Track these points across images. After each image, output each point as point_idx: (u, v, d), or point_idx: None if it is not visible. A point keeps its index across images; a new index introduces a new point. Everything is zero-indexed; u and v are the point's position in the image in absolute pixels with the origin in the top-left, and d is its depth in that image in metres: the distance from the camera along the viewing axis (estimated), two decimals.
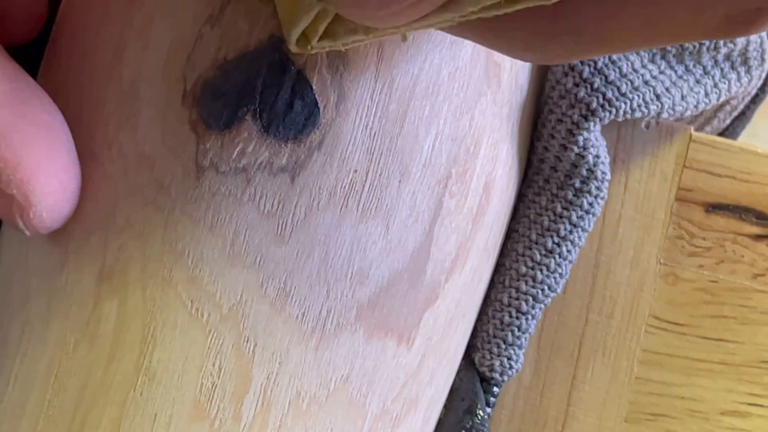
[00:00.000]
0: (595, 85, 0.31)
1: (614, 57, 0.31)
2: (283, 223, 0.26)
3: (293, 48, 0.23)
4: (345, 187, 0.26)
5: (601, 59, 0.31)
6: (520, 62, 0.30)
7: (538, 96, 0.33)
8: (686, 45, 0.32)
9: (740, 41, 0.32)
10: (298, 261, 0.26)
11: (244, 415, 0.25)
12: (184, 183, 0.25)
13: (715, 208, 0.34)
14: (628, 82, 0.31)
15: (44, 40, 0.30)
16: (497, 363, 0.32)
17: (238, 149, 0.25)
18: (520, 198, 0.33)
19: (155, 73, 0.26)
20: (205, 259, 0.25)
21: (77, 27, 0.28)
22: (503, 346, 0.32)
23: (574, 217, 0.32)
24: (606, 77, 0.31)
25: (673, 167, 0.34)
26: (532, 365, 0.34)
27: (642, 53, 0.32)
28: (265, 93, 0.25)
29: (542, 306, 0.32)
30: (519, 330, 0.32)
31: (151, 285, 0.25)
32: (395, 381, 0.28)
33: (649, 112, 0.31)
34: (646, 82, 0.31)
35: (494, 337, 0.32)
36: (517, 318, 0.32)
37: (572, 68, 0.31)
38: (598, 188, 0.32)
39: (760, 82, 0.35)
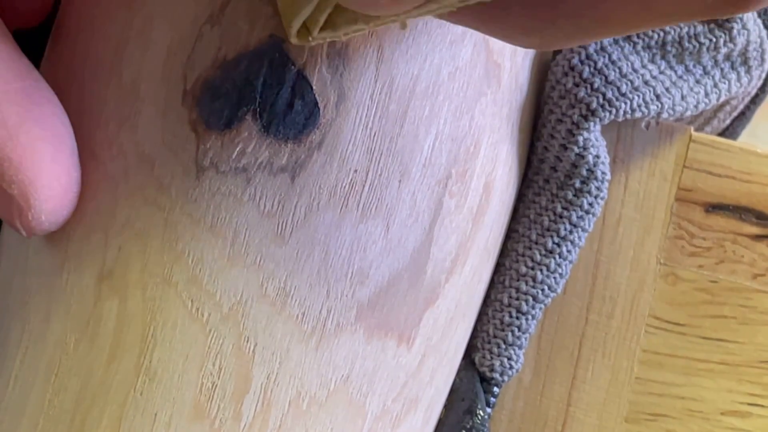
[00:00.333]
0: (595, 85, 0.31)
1: (614, 57, 0.31)
2: (283, 222, 0.26)
3: (294, 40, 0.23)
4: (345, 186, 0.26)
5: (601, 59, 0.31)
6: (520, 62, 0.30)
7: (538, 96, 0.33)
8: (686, 45, 0.32)
9: (740, 41, 0.32)
10: (298, 261, 0.26)
11: (244, 415, 0.25)
12: (184, 183, 0.25)
13: (715, 208, 0.34)
14: (628, 82, 0.31)
15: (45, 38, 0.30)
16: (497, 363, 0.32)
17: (238, 149, 0.25)
18: (520, 198, 0.33)
19: (155, 72, 0.26)
20: (205, 259, 0.25)
21: (77, 27, 0.28)
22: (503, 346, 0.32)
23: (574, 217, 0.32)
24: (606, 77, 0.31)
25: (673, 167, 0.34)
26: (532, 365, 0.34)
27: (642, 53, 0.32)
28: (266, 93, 0.25)
29: (542, 306, 0.32)
30: (519, 330, 0.32)
31: (151, 285, 0.25)
32: (395, 381, 0.28)
33: (649, 112, 0.31)
34: (646, 82, 0.31)
35: (494, 337, 0.32)
36: (518, 318, 0.32)
37: (572, 68, 0.31)
38: (598, 188, 0.32)
39: (760, 82, 0.35)
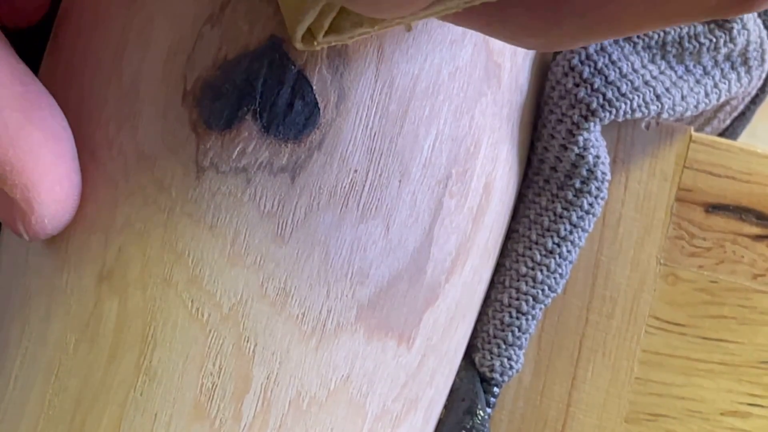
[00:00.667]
0: (596, 86, 0.31)
1: (614, 57, 0.31)
2: (283, 223, 0.26)
3: (298, 45, 0.23)
4: (345, 187, 0.26)
5: (602, 59, 0.31)
6: (520, 62, 0.30)
7: (538, 96, 0.33)
8: (686, 45, 0.32)
9: (740, 41, 0.32)
10: (299, 261, 0.26)
11: (245, 414, 0.25)
12: (184, 183, 0.25)
13: (715, 208, 0.34)
14: (629, 83, 0.31)
15: (44, 38, 0.30)
16: (497, 363, 0.32)
17: (238, 149, 0.25)
18: (521, 198, 0.33)
19: (155, 73, 0.26)
20: (206, 259, 0.25)
21: (78, 27, 0.28)
22: (503, 347, 0.32)
23: (574, 218, 0.32)
24: (606, 77, 0.31)
25: (673, 167, 0.34)
26: (532, 365, 0.34)
27: (642, 53, 0.32)
28: (266, 93, 0.25)
29: (542, 306, 0.32)
30: (519, 330, 0.32)
31: (152, 285, 0.25)
32: (395, 381, 0.28)
33: (649, 113, 0.31)
34: (646, 83, 0.31)
35: (494, 337, 0.32)
36: (518, 318, 0.32)
37: (572, 68, 0.31)
38: (598, 188, 0.32)
39: (760, 82, 0.35)
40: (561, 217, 0.32)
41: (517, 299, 0.32)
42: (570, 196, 0.32)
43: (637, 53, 0.32)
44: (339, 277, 0.26)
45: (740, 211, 0.34)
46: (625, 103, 0.31)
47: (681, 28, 0.32)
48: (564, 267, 0.32)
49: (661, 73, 0.32)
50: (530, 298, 0.32)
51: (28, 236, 0.25)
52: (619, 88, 0.31)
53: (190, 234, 0.25)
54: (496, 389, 0.33)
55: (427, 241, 0.27)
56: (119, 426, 0.25)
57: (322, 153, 0.26)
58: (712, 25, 0.32)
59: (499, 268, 0.33)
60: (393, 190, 0.26)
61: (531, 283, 0.32)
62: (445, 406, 0.32)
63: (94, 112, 0.27)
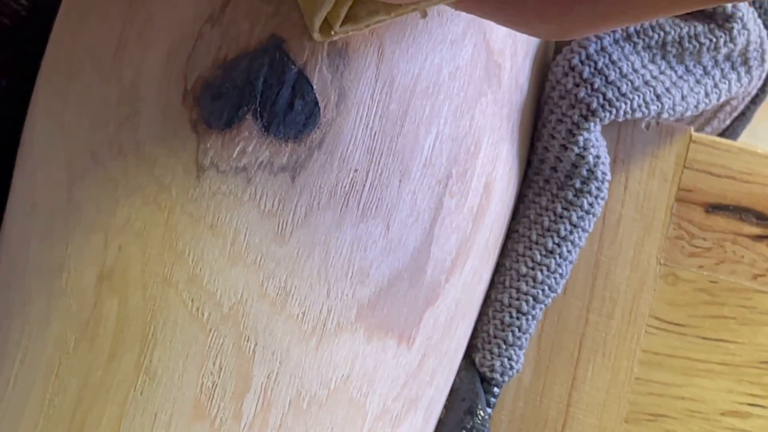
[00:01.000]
0: (596, 86, 0.31)
1: (615, 57, 0.31)
2: (283, 222, 0.26)
3: (316, 36, 0.23)
4: (345, 186, 0.26)
5: (602, 59, 0.31)
6: (520, 62, 0.30)
7: (539, 96, 0.33)
8: (686, 45, 0.32)
9: (740, 41, 0.32)
10: (299, 260, 0.26)
11: (245, 414, 0.25)
12: (184, 182, 0.25)
13: (715, 208, 0.34)
14: (629, 83, 0.31)
15: (45, 37, 0.30)
16: (498, 363, 0.32)
17: (238, 149, 0.25)
18: (521, 198, 0.33)
19: (155, 72, 0.26)
20: (206, 259, 0.25)
21: (78, 27, 0.28)
22: (504, 347, 0.32)
23: (574, 218, 0.32)
24: (606, 77, 0.31)
25: (674, 168, 0.34)
26: (533, 366, 0.34)
27: (642, 53, 0.32)
28: (266, 92, 0.25)
29: (543, 306, 0.32)
30: (519, 330, 0.32)
31: (152, 284, 0.25)
32: (395, 381, 0.28)
33: (649, 113, 0.31)
34: (646, 83, 0.31)
35: (495, 337, 0.32)
36: (518, 318, 0.32)
37: (572, 68, 0.31)
38: (598, 189, 0.32)
39: (760, 82, 0.35)
40: (561, 217, 0.32)
41: (518, 299, 0.32)
42: (570, 196, 0.32)
43: (638, 53, 0.32)
44: (339, 277, 0.26)
45: (740, 211, 0.34)
46: (626, 103, 0.31)
47: (681, 28, 0.32)
48: (564, 267, 0.32)
49: (662, 73, 0.32)
50: (530, 298, 0.32)
51: None
52: (619, 88, 0.31)
53: (190, 233, 0.25)
54: (496, 389, 0.33)
55: (428, 241, 0.27)
56: (119, 425, 0.25)
57: (322, 152, 0.26)
58: (713, 25, 0.32)
59: (499, 268, 0.33)
60: (393, 190, 0.26)
61: (531, 283, 0.32)
62: (446, 406, 0.32)
63: (94, 112, 0.27)
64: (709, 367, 0.34)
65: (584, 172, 0.32)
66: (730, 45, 0.32)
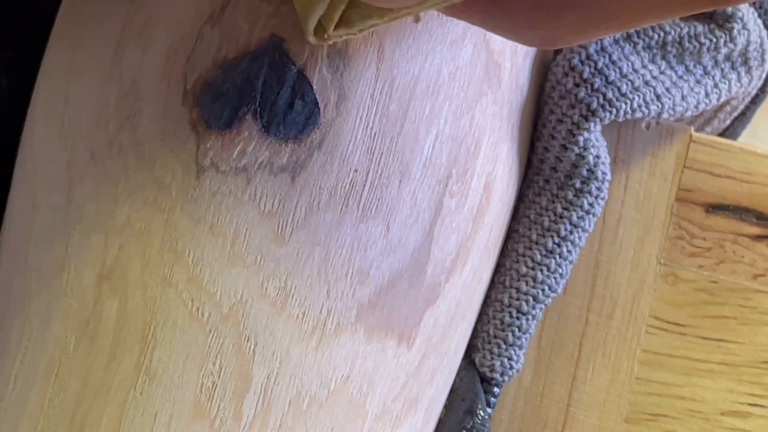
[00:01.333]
0: (596, 86, 0.31)
1: (615, 57, 0.31)
2: (283, 222, 0.26)
3: (311, 39, 0.23)
4: (345, 186, 0.26)
5: (602, 59, 0.31)
6: (520, 62, 0.30)
7: (539, 96, 0.33)
8: (686, 45, 0.32)
9: (740, 41, 0.32)
10: (299, 261, 0.26)
11: (245, 414, 0.25)
12: (184, 182, 0.25)
13: (715, 208, 0.34)
14: (629, 83, 0.31)
15: (45, 37, 0.30)
16: (498, 363, 0.32)
17: (238, 149, 0.25)
18: (521, 198, 0.33)
19: (155, 72, 0.26)
20: (206, 259, 0.25)
21: (78, 27, 0.28)
22: (504, 347, 0.32)
23: (574, 218, 0.32)
24: (606, 77, 0.31)
25: (674, 168, 0.34)
26: (533, 365, 0.34)
27: (642, 53, 0.32)
28: (266, 93, 0.25)
29: (543, 306, 0.32)
30: (519, 330, 0.32)
31: (152, 284, 0.25)
32: (395, 381, 0.28)
33: (649, 113, 0.31)
34: (646, 83, 0.31)
35: (495, 337, 0.32)
36: (518, 318, 0.32)
37: (572, 68, 0.31)
38: (598, 188, 0.32)
39: (761, 82, 0.35)
40: (561, 217, 0.32)
41: (518, 299, 0.32)
42: (570, 196, 0.32)
43: (638, 53, 0.32)
44: (339, 277, 0.26)
45: (740, 211, 0.34)
46: (626, 103, 0.31)
47: (681, 28, 0.32)
48: (564, 267, 0.32)
49: (662, 73, 0.32)
50: (530, 298, 0.32)
51: None
52: (619, 88, 0.31)
53: (190, 234, 0.25)
54: (496, 389, 0.33)
55: (428, 241, 0.27)
56: (119, 425, 0.25)
57: (322, 153, 0.26)
58: (713, 25, 0.32)
59: (499, 268, 0.33)
60: (393, 190, 0.26)
61: (531, 283, 0.32)
62: (446, 406, 0.32)
63: (94, 111, 0.27)
64: (710, 367, 0.34)
65: (584, 172, 0.32)
66: (730, 45, 0.32)
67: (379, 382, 0.27)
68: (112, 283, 0.26)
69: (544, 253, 0.32)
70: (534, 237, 0.32)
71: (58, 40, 0.29)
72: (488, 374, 0.32)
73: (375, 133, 0.26)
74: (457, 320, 0.30)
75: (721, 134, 0.38)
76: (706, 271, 0.34)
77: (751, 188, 0.34)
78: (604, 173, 0.32)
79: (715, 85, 0.33)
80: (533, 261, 0.32)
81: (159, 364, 0.25)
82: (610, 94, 0.31)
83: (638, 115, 0.31)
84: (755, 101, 0.37)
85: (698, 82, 0.33)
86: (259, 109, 0.25)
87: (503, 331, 0.32)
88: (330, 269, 0.26)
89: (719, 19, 0.32)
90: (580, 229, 0.32)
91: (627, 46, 0.32)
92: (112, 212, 0.26)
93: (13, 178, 0.30)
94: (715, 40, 0.32)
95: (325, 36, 0.22)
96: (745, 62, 0.33)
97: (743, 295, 0.34)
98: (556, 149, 0.32)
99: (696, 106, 0.33)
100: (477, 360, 0.33)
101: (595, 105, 0.31)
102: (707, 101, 0.33)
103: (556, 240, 0.32)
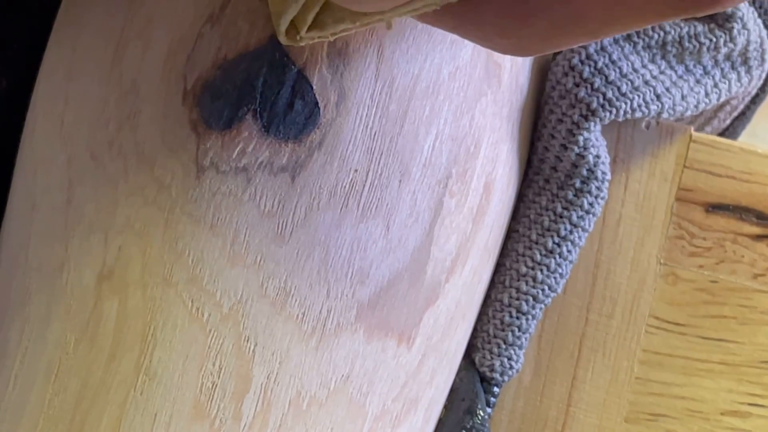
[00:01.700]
0: (596, 85, 0.31)
1: (614, 57, 0.31)
2: (283, 222, 0.26)
3: (282, 39, 0.23)
4: (345, 186, 0.26)
5: (602, 59, 0.31)
6: (520, 62, 0.30)
7: (539, 96, 0.33)
8: (686, 45, 0.32)
9: (740, 41, 0.32)
10: (299, 261, 0.26)
11: (245, 414, 0.25)
12: (184, 182, 0.25)
13: (715, 208, 0.34)
14: (629, 82, 0.31)
15: (45, 37, 0.30)
16: (498, 363, 0.32)
17: (238, 149, 0.25)
18: (521, 198, 0.33)
19: (155, 72, 0.26)
20: (206, 259, 0.25)
21: (78, 27, 0.28)
22: (504, 346, 0.32)
23: (574, 217, 0.32)
24: (606, 77, 0.31)
25: (674, 167, 0.34)
26: (533, 365, 0.34)
27: (642, 53, 0.32)
28: (266, 93, 0.25)
29: (542, 306, 0.32)
30: (519, 330, 0.32)
31: (152, 284, 0.25)
32: (395, 381, 0.28)
33: (649, 112, 0.31)
34: (646, 82, 0.31)
35: (495, 337, 0.32)
36: (518, 318, 0.32)
37: (572, 68, 0.31)
38: (598, 188, 0.32)
39: (760, 82, 0.35)
40: (561, 216, 0.32)
41: (518, 299, 0.32)
42: (570, 195, 0.32)
43: (638, 53, 0.32)
44: (339, 277, 0.26)
45: (740, 211, 0.34)
46: (626, 103, 0.31)
47: (681, 28, 0.32)
48: (564, 267, 0.32)
49: (662, 72, 0.32)
50: (530, 298, 0.32)
51: None
52: (619, 88, 0.31)
53: (190, 234, 0.25)
54: (496, 389, 0.33)
55: (428, 241, 0.27)
56: (119, 426, 0.25)
57: (322, 153, 0.26)
58: (712, 25, 0.32)
59: (499, 267, 0.33)
60: (393, 190, 0.26)
61: (531, 283, 0.32)
62: (445, 406, 0.32)
63: (94, 111, 0.27)
64: (709, 366, 0.34)
65: (584, 172, 0.32)
66: (730, 45, 0.32)
67: (379, 382, 0.27)
68: (112, 283, 0.26)
69: (544, 252, 0.32)
70: (534, 237, 0.32)
71: (58, 40, 0.29)
72: (488, 374, 0.32)
73: (375, 133, 0.26)
74: (457, 320, 0.30)
75: (721, 134, 0.38)
76: (706, 270, 0.34)
77: (751, 188, 0.34)
78: (604, 173, 0.32)
79: (715, 85, 0.33)
80: (533, 261, 0.32)
81: (159, 364, 0.25)
82: (610, 94, 0.31)
83: (638, 114, 0.31)
84: (755, 101, 0.37)
85: (698, 81, 0.33)
86: (259, 109, 0.25)
87: (503, 330, 0.32)
88: (330, 269, 0.26)
89: (719, 19, 0.32)
90: (580, 229, 0.32)
91: (627, 45, 0.32)
92: (112, 212, 0.26)
93: (13, 178, 0.30)
94: (715, 39, 0.32)
95: (297, 38, 0.22)
96: (745, 62, 0.33)
97: (743, 295, 0.34)
98: (556, 149, 0.32)
99: (696, 106, 0.33)
100: (477, 360, 0.33)
101: (595, 105, 0.31)
102: (707, 101, 0.33)
103: (556, 240, 0.32)
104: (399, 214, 0.27)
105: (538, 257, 0.32)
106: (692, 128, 0.34)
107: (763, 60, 0.34)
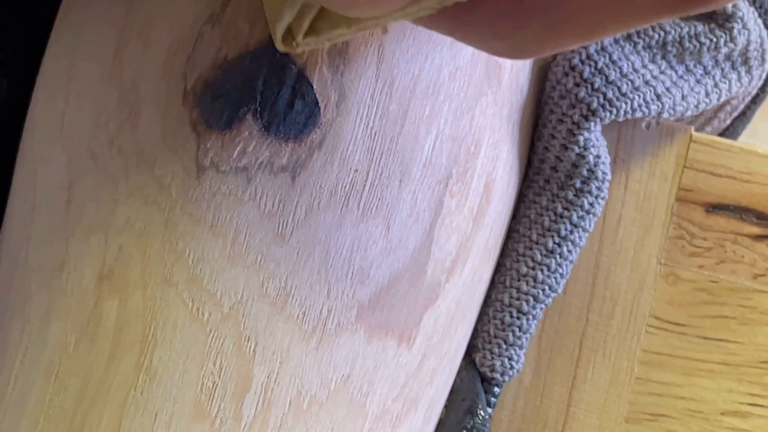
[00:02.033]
0: (596, 85, 0.31)
1: (615, 57, 0.31)
2: (283, 222, 0.26)
3: (279, 46, 0.23)
4: (346, 186, 0.26)
5: (602, 59, 0.31)
6: (520, 62, 0.30)
7: (539, 96, 0.33)
8: (687, 45, 0.32)
9: (741, 41, 0.32)
10: (299, 260, 0.26)
11: (245, 414, 0.25)
12: (184, 182, 0.25)
13: (715, 208, 0.34)
14: (629, 82, 0.31)
15: (46, 36, 0.30)
16: (498, 363, 0.32)
17: (238, 149, 0.25)
18: (521, 198, 0.33)
19: (156, 72, 0.26)
20: (206, 259, 0.25)
21: (78, 27, 0.28)
22: (504, 347, 0.32)
23: (574, 218, 0.32)
24: (606, 77, 0.31)
25: (674, 167, 0.34)
26: (533, 365, 0.34)
27: (643, 53, 0.32)
28: (266, 92, 0.25)
29: (543, 306, 0.32)
30: (520, 330, 0.32)
31: (152, 284, 0.25)
32: (396, 381, 0.28)
33: (649, 112, 0.31)
34: (646, 82, 0.31)
35: (495, 337, 0.32)
36: (518, 318, 0.32)
37: (573, 68, 0.31)
38: (598, 188, 0.32)
39: (761, 82, 0.35)
40: (561, 216, 0.32)
41: (518, 299, 0.32)
42: (570, 195, 0.32)
43: (638, 53, 0.32)
44: (339, 277, 0.26)
45: (740, 211, 0.34)
46: (626, 103, 0.31)
47: (681, 28, 0.32)
48: (564, 267, 0.32)
49: (662, 72, 0.32)
50: (531, 298, 0.32)
51: None
52: (619, 88, 0.31)
53: (190, 233, 0.25)
54: (496, 389, 0.33)
55: (428, 241, 0.27)
56: (119, 425, 0.25)
57: (322, 152, 0.26)
58: (713, 25, 0.32)
59: (499, 267, 0.33)
60: (393, 190, 0.26)
61: (531, 283, 0.32)
62: (446, 406, 0.32)
63: (94, 111, 0.27)
64: (710, 366, 0.34)
65: (584, 172, 0.32)
66: (731, 45, 0.32)
67: (379, 382, 0.27)
68: (112, 283, 0.26)
69: (544, 252, 0.32)
70: (534, 237, 0.32)
71: (58, 41, 0.29)
72: (488, 374, 0.32)
73: (375, 133, 0.26)
74: (457, 320, 0.30)
75: (722, 134, 0.38)
76: (706, 271, 0.34)
77: (752, 188, 0.34)
78: (604, 173, 0.32)
79: (716, 85, 0.33)
80: (533, 261, 0.32)
81: (159, 364, 0.25)
82: (610, 94, 0.31)
83: (638, 114, 0.31)
84: (755, 101, 0.37)
85: (698, 81, 0.33)
86: (259, 109, 0.25)
87: (503, 330, 0.32)
88: (330, 269, 0.26)
89: (719, 19, 0.32)
90: (580, 229, 0.32)
91: (627, 45, 0.32)
92: (112, 212, 0.26)
93: (13, 178, 0.30)
94: (715, 39, 0.32)
95: (294, 44, 0.22)
96: (746, 62, 0.33)
97: (743, 295, 0.34)
98: (557, 149, 0.32)
99: (696, 106, 0.33)
100: (477, 360, 0.33)
101: (595, 105, 0.31)
102: (707, 101, 0.33)
103: (557, 240, 0.32)
104: (399, 214, 0.27)
105: (539, 257, 0.32)
106: (692, 128, 0.34)
107: (763, 60, 0.34)
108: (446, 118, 0.27)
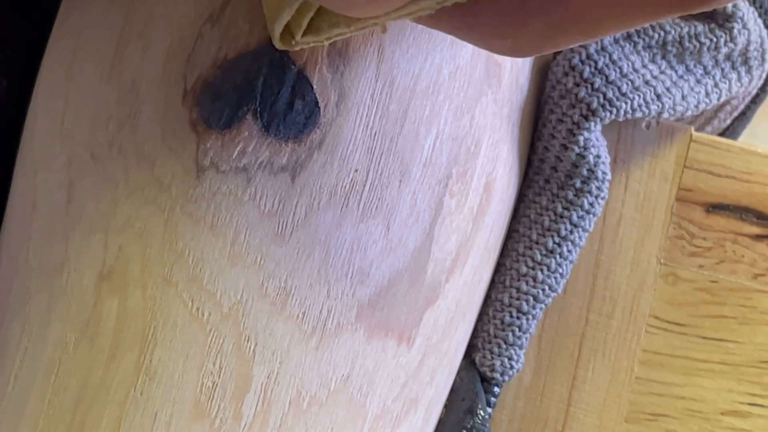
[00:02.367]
0: (596, 85, 0.31)
1: (615, 57, 0.31)
2: (283, 222, 0.26)
3: (278, 44, 0.23)
4: (345, 186, 0.26)
5: (602, 59, 0.31)
6: (520, 62, 0.30)
7: (539, 96, 0.33)
8: (687, 45, 0.32)
9: (741, 41, 0.32)
10: (299, 260, 0.26)
11: (245, 414, 0.25)
12: (184, 182, 0.25)
13: (715, 208, 0.34)
14: (629, 82, 0.31)
15: (46, 36, 0.30)
16: (498, 363, 0.32)
17: (238, 149, 0.25)
18: (521, 198, 0.33)
19: (155, 72, 0.26)
20: (206, 259, 0.25)
21: (78, 27, 0.28)
22: (504, 346, 0.32)
23: (574, 217, 0.32)
24: (606, 77, 0.31)
25: (674, 167, 0.34)
26: (533, 365, 0.34)
27: (643, 53, 0.32)
28: (266, 92, 0.25)
29: (543, 306, 0.32)
30: (520, 330, 0.32)
31: (152, 284, 0.25)
32: (396, 381, 0.28)
33: (649, 112, 0.31)
34: (646, 82, 0.31)
35: (495, 337, 0.32)
36: (518, 318, 0.32)
37: (573, 68, 0.31)
38: (598, 188, 0.32)
39: (761, 82, 0.35)
40: (561, 216, 0.32)
41: (518, 299, 0.32)
42: (570, 195, 0.32)
43: (638, 53, 0.32)
44: (339, 277, 0.26)
45: (740, 211, 0.34)
46: (626, 103, 0.31)
47: (681, 27, 0.32)
48: (564, 267, 0.32)
49: (662, 72, 0.32)
50: (531, 298, 0.32)
51: None
52: (619, 88, 0.31)
53: (190, 233, 0.25)
54: (496, 389, 0.33)
55: (428, 241, 0.27)
56: (119, 425, 0.25)
57: (322, 152, 0.26)
58: (713, 25, 0.32)
59: (499, 267, 0.33)
60: (393, 190, 0.26)
61: (531, 283, 0.32)
62: (446, 406, 0.32)
63: (94, 112, 0.27)
64: (710, 366, 0.34)
65: (584, 172, 0.32)
66: (731, 45, 0.32)
67: (379, 382, 0.27)
68: (112, 283, 0.26)
69: (544, 252, 0.32)
70: (534, 237, 0.32)
71: (58, 40, 0.29)
72: (488, 374, 0.32)
73: (375, 133, 0.26)
74: (457, 320, 0.30)
75: (722, 134, 0.38)
76: (706, 270, 0.34)
77: (752, 188, 0.34)
78: (604, 173, 0.32)
79: (716, 85, 0.33)
80: (533, 261, 0.32)
81: (159, 364, 0.25)
82: (610, 94, 0.31)
83: (638, 114, 0.31)
84: (755, 101, 0.37)
85: (698, 81, 0.33)
86: (259, 109, 0.25)
87: (503, 330, 0.32)
88: (330, 269, 0.26)
89: (719, 19, 0.32)
90: (580, 229, 0.32)
91: (627, 45, 0.32)
92: (112, 212, 0.26)
93: (13, 178, 0.30)
94: (715, 39, 0.32)
95: (293, 42, 0.22)
96: (746, 62, 0.33)
97: (743, 295, 0.34)
98: (557, 149, 0.32)
99: (696, 106, 0.33)
100: (477, 360, 0.33)
101: (595, 104, 0.31)
102: (707, 101, 0.33)
103: (557, 240, 0.32)
104: (399, 214, 0.27)
105: (539, 257, 0.32)
106: (692, 128, 0.34)
107: (763, 60, 0.34)
108: (446, 118, 0.27)
